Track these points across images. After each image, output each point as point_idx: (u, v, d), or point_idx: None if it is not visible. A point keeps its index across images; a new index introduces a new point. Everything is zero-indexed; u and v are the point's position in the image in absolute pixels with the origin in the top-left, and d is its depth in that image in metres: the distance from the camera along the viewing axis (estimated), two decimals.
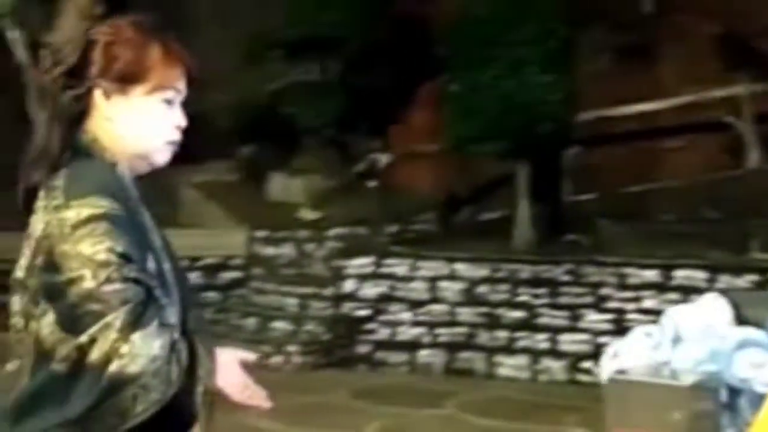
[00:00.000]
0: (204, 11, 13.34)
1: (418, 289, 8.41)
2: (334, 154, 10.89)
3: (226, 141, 12.26)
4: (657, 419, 4.22)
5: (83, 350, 1.84)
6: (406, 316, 8.44)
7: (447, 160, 9.94)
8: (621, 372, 4.52)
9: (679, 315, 4.80)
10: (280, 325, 8.81)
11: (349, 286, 8.67)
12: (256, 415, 6.82)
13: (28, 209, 2.05)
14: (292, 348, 8.48)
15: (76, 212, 1.92)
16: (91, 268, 1.87)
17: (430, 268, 8.38)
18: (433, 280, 8.37)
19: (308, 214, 10.36)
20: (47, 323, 1.93)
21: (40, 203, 2.03)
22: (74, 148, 2.06)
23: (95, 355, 1.82)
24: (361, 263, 8.63)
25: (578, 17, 8.74)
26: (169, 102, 2.15)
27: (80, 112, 2.08)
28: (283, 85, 10.85)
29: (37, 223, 2.01)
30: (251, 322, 9.02)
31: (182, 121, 2.19)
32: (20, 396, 1.96)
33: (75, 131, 2.08)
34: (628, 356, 4.57)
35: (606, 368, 4.62)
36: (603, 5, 9.72)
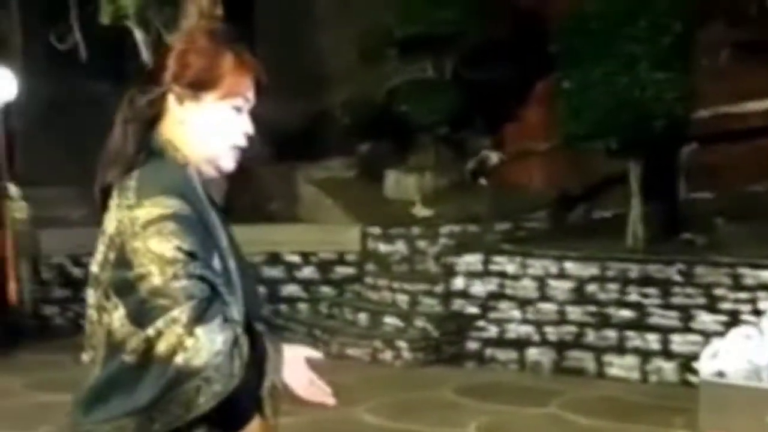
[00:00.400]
0: (323, 10, 13.58)
1: (527, 287, 8.38)
2: (447, 151, 10.94)
3: (345, 138, 12.46)
4: (752, 423, 4.15)
5: (151, 343, 1.95)
6: (516, 313, 8.43)
7: (559, 157, 9.90)
8: (718, 374, 4.45)
9: None
10: (391, 321, 8.89)
11: (459, 283, 8.69)
12: (363, 409, 6.99)
13: (104, 207, 2.15)
14: (402, 344, 8.56)
15: (146, 211, 2.03)
16: (159, 265, 1.98)
17: (539, 266, 8.34)
18: (542, 278, 8.33)
19: (421, 211, 10.45)
20: (118, 316, 2.04)
21: (114, 202, 2.14)
22: (148, 149, 2.18)
23: (162, 347, 1.93)
24: (471, 260, 8.64)
25: (696, 13, 8.56)
26: (238, 109, 2.25)
27: (154, 116, 2.20)
28: (399, 83, 10.96)
29: (111, 221, 2.13)
30: (363, 317, 9.12)
31: (249, 128, 2.28)
32: (92, 385, 2.08)
33: (149, 134, 2.19)
34: (726, 358, 4.49)
35: (703, 369, 4.56)
36: (723, 1, 9.54)
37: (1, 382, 8.17)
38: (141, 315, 1.98)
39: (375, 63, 10.99)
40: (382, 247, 9.93)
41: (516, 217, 10.01)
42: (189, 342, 1.92)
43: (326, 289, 10.05)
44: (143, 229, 2.02)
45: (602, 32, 8.10)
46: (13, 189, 10.65)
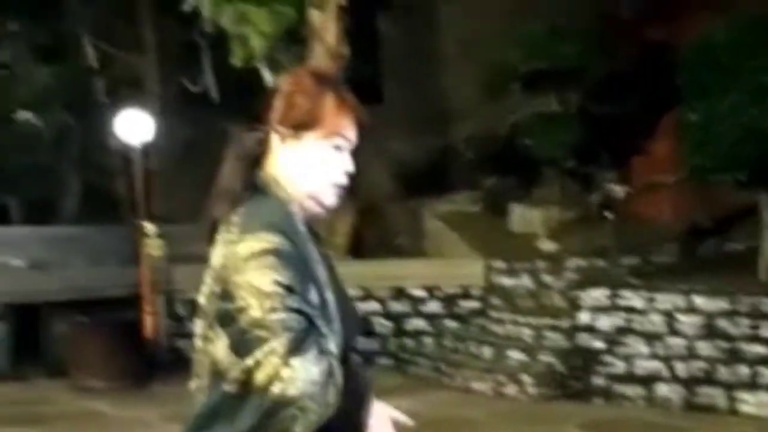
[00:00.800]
0: (448, 47, 13.72)
1: (655, 322, 8.26)
2: (573, 185, 10.90)
3: (471, 172, 12.54)
4: None
5: (250, 373, 2.02)
6: (643, 349, 8.31)
7: (688, 190, 9.75)
8: None
9: None
10: (515, 355, 8.87)
11: (584, 317, 8.63)
12: None
13: (212, 241, 2.26)
14: (526, 378, 8.53)
15: (248, 246, 2.10)
16: (258, 298, 2.04)
17: (667, 300, 8.22)
18: (670, 312, 8.20)
19: (546, 245, 10.42)
20: (222, 347, 2.13)
21: (220, 236, 2.22)
22: (253, 186, 2.25)
23: (260, 377, 2.00)
24: (597, 295, 8.57)
25: None
26: (338, 148, 2.31)
27: (260, 154, 2.29)
28: (523, 117, 10.99)
29: (217, 255, 2.20)
30: (487, 351, 9.13)
31: (350, 167, 2.34)
32: (198, 413, 2.19)
33: (255, 171, 2.28)
34: None
35: None
36: None
37: (138, 414, 8.46)
38: (241, 346, 2.06)
39: (499, 98, 11.04)
40: (507, 281, 9.94)
41: (644, 250, 9.89)
42: (285, 372, 1.98)
43: (451, 323, 10.10)
44: (245, 263, 2.08)
45: (729, 63, 7.99)
46: (149, 227, 11.03)
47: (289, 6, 10.61)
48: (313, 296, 2.10)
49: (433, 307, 10.23)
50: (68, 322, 9.71)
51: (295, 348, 2.00)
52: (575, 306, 8.75)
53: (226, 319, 2.10)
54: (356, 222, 11.81)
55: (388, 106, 14.21)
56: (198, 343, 2.22)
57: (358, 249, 12.57)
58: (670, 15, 11.42)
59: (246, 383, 2.04)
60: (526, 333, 9.10)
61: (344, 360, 2.14)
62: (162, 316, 10.75)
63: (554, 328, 8.88)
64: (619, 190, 9.44)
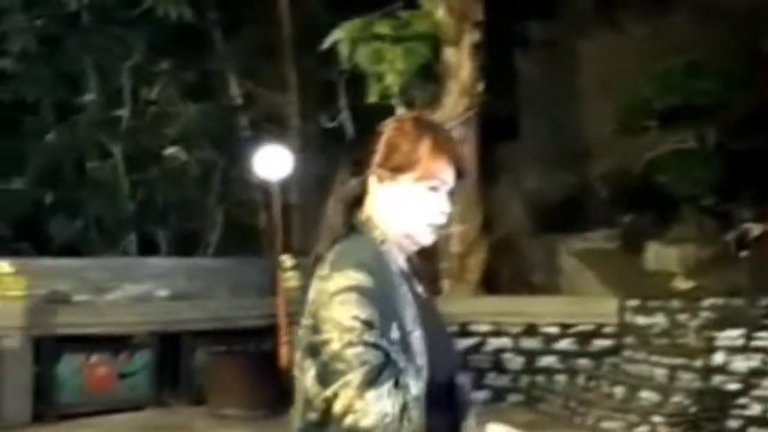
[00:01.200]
0: (584, 83, 13.71)
1: None
2: (711, 222, 10.72)
3: (608, 209, 12.46)
4: None
5: (329, 403, 2.17)
6: None
7: None
8: None
9: None
10: (647, 395, 8.76)
11: (719, 358, 8.47)
12: None
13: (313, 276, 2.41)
14: (658, 419, 8.41)
15: (335, 282, 2.25)
16: (338, 332, 2.18)
17: None
18: None
19: (682, 284, 10.25)
20: (311, 376, 2.27)
21: (317, 272, 2.37)
22: (351, 225, 2.40)
23: (337, 408, 2.14)
24: (733, 335, 8.41)
25: None
26: (434, 189, 2.41)
27: (360, 195, 2.44)
28: (659, 154, 10.88)
29: (312, 289, 2.36)
30: (620, 390, 9.04)
31: (446, 207, 2.44)
32: None
33: (354, 212, 2.42)
34: None
35: None
36: None
37: None
38: (324, 377, 2.21)
39: (634, 135, 10.97)
40: (641, 320, 9.81)
41: None
42: (359, 404, 2.11)
43: (583, 361, 10.03)
44: (330, 299, 2.23)
45: None
46: (286, 259, 11.33)
47: (424, 44, 10.79)
48: (394, 333, 2.22)
49: (566, 344, 10.18)
50: (208, 351, 10.05)
51: (370, 381, 2.13)
52: (710, 346, 8.60)
53: (314, 350, 2.25)
54: (489, 258, 11.85)
55: (525, 142, 14.27)
56: (295, 372, 2.35)
57: (493, 284, 12.62)
58: None
59: (326, 413, 2.19)
60: (659, 373, 8.98)
61: (431, 394, 2.24)
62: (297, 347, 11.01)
63: (688, 369, 8.74)
64: (755, 229, 9.24)
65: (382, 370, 2.15)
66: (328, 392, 2.18)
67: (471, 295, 10.98)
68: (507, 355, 10.35)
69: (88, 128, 13.60)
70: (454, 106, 11.26)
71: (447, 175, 2.43)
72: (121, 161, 13.79)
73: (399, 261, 2.41)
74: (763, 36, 13.20)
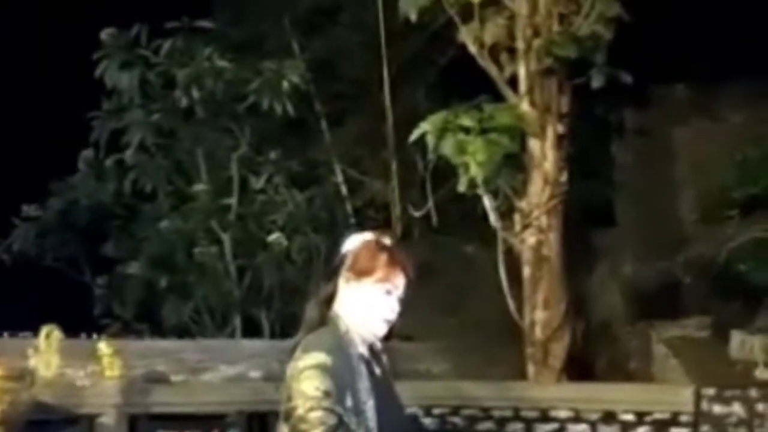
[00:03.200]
0: (680, 170, 13.81)
1: None
2: None
3: (702, 297, 12.48)
4: None
5: None
6: None
7: None
8: None
9: None
10: None
11: None
12: None
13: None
14: None
15: (304, 362, 2.97)
16: (303, 399, 2.87)
17: None
18: None
19: (764, 373, 10.21)
20: None
21: (294, 355, 3.06)
22: (323, 319, 3.14)
23: None
24: None
25: None
26: (388, 292, 3.15)
27: (331, 295, 3.17)
28: (740, 243, 10.93)
29: (288, 368, 3.04)
30: None
31: (396, 308, 3.18)
32: None
33: (326, 308, 3.16)
34: None
35: None
36: None
37: None
38: None
39: (717, 223, 11.06)
40: (717, 409, 9.81)
41: None
42: None
43: None
44: (299, 374, 2.93)
45: None
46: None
47: (506, 136, 11.14)
48: (348, 401, 2.91)
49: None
50: None
51: None
52: None
53: (287, 415, 2.92)
54: (584, 345, 12.01)
55: (621, 228, 14.41)
56: None
57: (589, 371, 12.71)
58: None
59: None
60: None
61: None
62: None
63: None
64: None
65: (336, 430, 2.83)
66: None
67: (553, 381, 11.12)
68: None
69: (199, 215, 14.39)
70: (539, 195, 11.53)
71: (399, 282, 3.19)
72: (230, 247, 14.50)
73: (359, 347, 3.13)
74: None
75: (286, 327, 14.97)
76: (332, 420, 2.83)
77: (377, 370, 3.17)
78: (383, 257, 3.17)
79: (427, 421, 11.36)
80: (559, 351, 11.41)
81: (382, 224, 15.37)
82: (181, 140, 14.61)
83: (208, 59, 13.47)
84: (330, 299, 3.19)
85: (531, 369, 11.43)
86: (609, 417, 10.41)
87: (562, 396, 10.81)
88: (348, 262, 3.20)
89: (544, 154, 11.59)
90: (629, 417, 10.34)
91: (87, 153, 15.03)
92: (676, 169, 13.73)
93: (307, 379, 2.90)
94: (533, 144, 11.61)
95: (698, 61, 13.69)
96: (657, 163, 14.02)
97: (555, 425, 10.64)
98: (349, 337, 3.10)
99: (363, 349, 3.17)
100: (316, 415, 2.83)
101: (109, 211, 15.25)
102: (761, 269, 10.47)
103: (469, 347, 12.60)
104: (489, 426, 11.04)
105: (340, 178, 15.51)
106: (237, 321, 14.51)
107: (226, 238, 14.47)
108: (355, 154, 15.68)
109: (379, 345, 3.30)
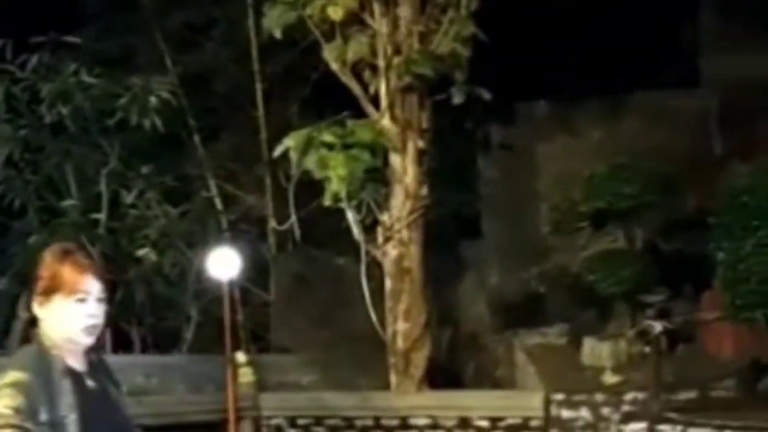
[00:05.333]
0: (543, 184, 14.27)
1: None
2: (641, 319, 11.14)
3: (566, 305, 12.95)
4: None
5: None
6: None
7: (750, 327, 9.87)
8: None
9: None
10: None
11: None
12: None
13: None
14: None
15: (2, 380, 2.95)
16: None
17: None
18: None
19: (610, 378, 10.67)
20: None
21: None
22: (29, 338, 3.12)
23: None
24: (636, 428, 8.81)
25: None
26: (82, 300, 3.07)
27: (33, 316, 3.13)
28: (592, 254, 11.39)
29: None
30: None
31: (95, 311, 3.10)
32: None
33: (33, 327, 3.12)
34: None
35: None
36: None
37: None
38: None
39: (569, 235, 11.50)
40: (566, 413, 10.22)
41: (703, 385, 10.03)
42: None
43: None
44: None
45: (753, 205, 8.29)
46: (239, 356, 11.88)
47: (367, 151, 11.42)
48: (43, 416, 2.92)
49: None
50: None
51: None
52: None
53: None
54: (438, 354, 12.34)
55: (487, 240, 14.84)
56: None
57: (457, 379, 13.06)
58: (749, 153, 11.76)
59: None
60: None
61: None
62: None
63: None
64: (657, 326, 9.67)
65: None
66: None
67: (414, 390, 11.41)
68: None
69: (68, 230, 14.28)
70: (400, 208, 11.83)
71: (90, 287, 3.09)
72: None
73: (67, 361, 3.08)
74: (710, 138, 13.81)
75: (158, 341, 15.01)
76: None
77: (91, 383, 3.13)
78: (66, 268, 3.09)
79: None
80: (420, 361, 11.72)
81: (256, 238, 15.54)
82: (49, 156, 14.50)
83: (75, 74, 13.41)
84: (33, 319, 3.13)
85: (393, 378, 11.72)
86: (464, 423, 10.75)
87: (421, 404, 11.12)
88: (37, 282, 3.11)
89: (405, 168, 11.91)
90: (484, 423, 10.69)
91: None
92: (537, 183, 14.21)
93: (2, 398, 2.91)
94: (394, 159, 11.92)
95: (560, 78, 14.20)
96: (520, 177, 14.49)
97: None
98: (54, 353, 3.07)
99: (75, 363, 3.12)
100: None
101: None
102: (609, 279, 10.91)
103: (338, 358, 12.83)
104: None
105: (214, 192, 15.56)
106: (107, 336, 14.44)
107: (95, 252, 14.36)
108: (229, 169, 15.76)
109: (95, 357, 3.23)
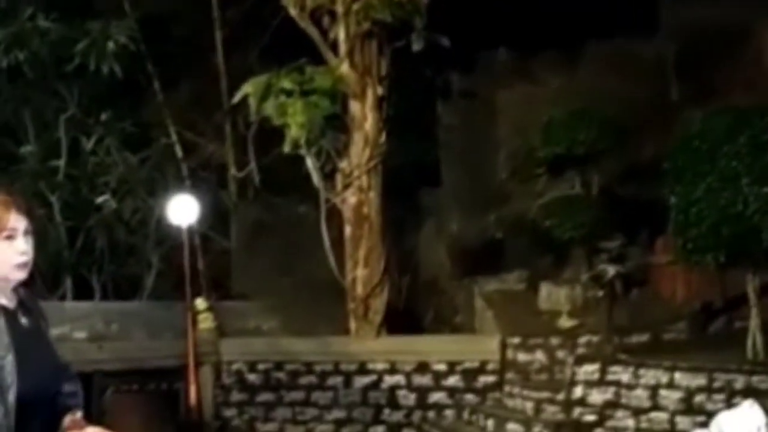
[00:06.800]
0: (502, 132, 14.34)
1: (640, 397, 8.62)
2: (596, 264, 11.29)
3: (525, 251, 13.07)
4: None
5: None
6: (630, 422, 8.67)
7: (703, 269, 10.04)
8: None
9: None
10: (513, 427, 9.32)
11: (578, 391, 9.03)
12: None
13: None
14: None
15: None
16: None
17: (651, 376, 8.58)
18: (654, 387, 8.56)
19: (566, 322, 10.84)
20: None
21: None
22: None
23: None
24: (589, 370, 8.98)
25: None
26: (10, 237, 2.95)
27: None
28: (548, 200, 11.50)
29: None
30: (491, 423, 9.60)
31: (24, 247, 2.99)
32: None
33: None
34: None
35: None
36: None
37: None
38: None
39: (526, 181, 11.59)
40: (522, 356, 10.39)
41: (656, 327, 10.22)
42: None
43: (470, 396, 10.59)
44: None
45: (704, 150, 8.41)
46: (199, 302, 11.94)
47: (326, 98, 11.43)
48: None
49: (454, 381, 10.75)
50: (114, 391, 10.62)
51: None
52: (572, 380, 9.16)
53: None
54: (398, 300, 12.47)
55: (446, 188, 14.91)
56: None
57: (417, 325, 13.19)
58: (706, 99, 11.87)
59: None
60: (529, 406, 9.54)
61: (26, 402, 2.88)
62: (208, 386, 11.59)
63: (552, 402, 9.30)
64: (610, 270, 9.83)
65: None
66: None
67: (373, 336, 11.54)
68: (401, 392, 10.90)
69: (27, 177, 14.21)
70: (359, 155, 11.88)
71: (17, 223, 2.98)
72: (59, 209, 14.38)
73: (1, 300, 2.98)
74: (667, 84, 13.91)
75: (119, 288, 15.01)
76: None
77: (24, 321, 3.03)
78: None
79: (252, 377, 11.67)
80: (378, 306, 11.84)
81: (216, 185, 15.53)
82: (6, 101, 14.37)
83: (32, 19, 13.28)
84: None
85: (353, 324, 11.85)
86: (422, 367, 10.91)
87: (380, 349, 11.25)
88: None
89: (365, 115, 11.94)
90: (441, 366, 10.85)
91: None
92: (496, 130, 14.26)
93: None
94: (354, 106, 11.95)
95: (519, 26, 14.19)
96: (480, 125, 14.52)
97: (373, 377, 11.10)
98: None
99: (6, 301, 3.01)
100: None
101: None
102: (566, 224, 11.01)
103: (298, 305, 12.92)
104: (311, 380, 11.43)
105: (174, 139, 15.49)
106: (68, 283, 14.43)
107: (55, 200, 14.34)
108: (189, 116, 15.66)
109: (25, 294, 3.10)
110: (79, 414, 3.08)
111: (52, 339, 3.17)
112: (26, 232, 3.01)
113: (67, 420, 3.04)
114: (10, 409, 2.86)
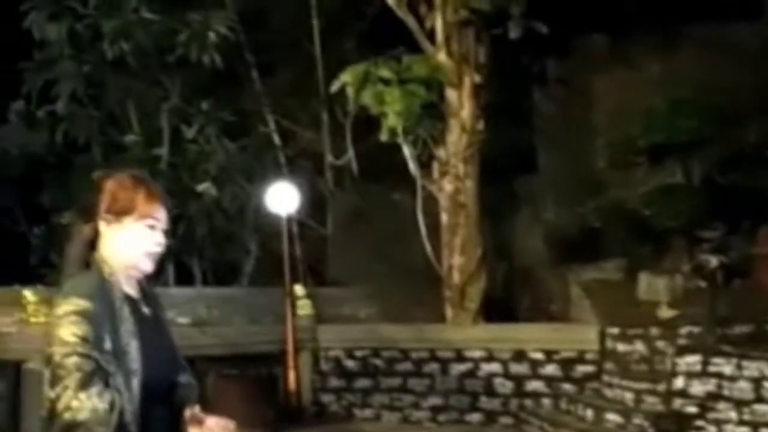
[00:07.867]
0: (599, 119, 14.20)
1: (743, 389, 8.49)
2: (697, 254, 11.13)
3: (615, 242, 12.94)
4: None
5: (53, 403, 2.85)
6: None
7: None
8: None
9: None
10: (612, 417, 9.27)
11: (679, 382, 8.93)
12: None
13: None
14: None
15: (62, 308, 2.93)
16: (60, 346, 2.86)
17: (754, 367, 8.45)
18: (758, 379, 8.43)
19: (666, 313, 10.70)
20: (46, 381, 2.97)
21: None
22: (87, 263, 3.11)
23: (59, 406, 2.83)
24: (691, 361, 8.87)
25: None
26: (151, 227, 3.12)
27: (93, 238, 3.13)
28: (648, 189, 11.36)
29: (50, 314, 3.04)
30: (590, 413, 9.56)
31: (161, 240, 3.16)
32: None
33: (90, 251, 3.12)
34: None
35: None
36: None
37: None
38: (50, 381, 2.88)
39: (625, 170, 11.47)
40: (621, 347, 10.30)
41: (760, 319, 10.03)
42: (75, 403, 2.80)
43: (567, 386, 10.55)
44: (58, 320, 2.90)
45: None
46: (298, 289, 12.10)
47: (423, 86, 11.47)
48: (107, 344, 2.92)
49: (551, 369, 10.72)
50: (216, 375, 10.83)
51: (83, 384, 2.83)
52: (673, 372, 9.07)
53: (47, 360, 2.92)
54: (494, 288, 12.46)
55: (542, 175, 14.83)
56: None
57: (512, 313, 13.17)
58: None
59: (51, 410, 2.87)
60: (628, 397, 9.47)
61: (150, 390, 2.97)
62: (306, 372, 11.75)
63: (652, 393, 9.21)
64: (713, 261, 9.67)
65: (93, 376, 2.85)
66: (52, 394, 2.86)
67: (469, 323, 11.56)
68: (498, 380, 10.92)
69: (131, 166, 14.53)
70: (456, 143, 11.90)
71: (160, 215, 3.15)
72: None
73: (125, 288, 3.09)
74: None
75: (218, 275, 15.29)
76: (88, 366, 2.82)
77: (146, 311, 3.13)
78: (141, 193, 3.10)
79: (350, 363, 11.79)
80: (475, 294, 11.86)
81: (313, 173, 15.70)
82: (111, 92, 14.73)
83: (136, 11, 13.59)
84: (92, 242, 3.11)
85: (449, 312, 11.89)
86: (519, 356, 10.90)
87: (476, 337, 11.28)
88: (105, 203, 3.09)
89: (462, 103, 11.95)
90: (538, 355, 10.83)
91: (17, 104, 15.10)
92: (594, 117, 14.12)
93: (63, 326, 2.86)
94: (450, 94, 11.96)
95: (617, 11, 14.02)
96: (577, 112, 14.41)
97: (469, 365, 11.14)
98: (113, 280, 3.05)
99: (130, 290, 3.11)
100: (72, 361, 2.81)
101: (43, 161, 15.36)
102: (666, 214, 10.89)
103: (394, 292, 13.01)
104: (407, 366, 11.51)
105: (272, 127, 15.71)
106: (170, 269, 14.75)
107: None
108: (286, 104, 15.86)
109: (147, 285, 3.22)
110: (197, 408, 3.18)
111: (171, 329, 3.28)
112: (164, 230, 3.17)
113: (188, 414, 3.14)
114: (135, 395, 2.96)
